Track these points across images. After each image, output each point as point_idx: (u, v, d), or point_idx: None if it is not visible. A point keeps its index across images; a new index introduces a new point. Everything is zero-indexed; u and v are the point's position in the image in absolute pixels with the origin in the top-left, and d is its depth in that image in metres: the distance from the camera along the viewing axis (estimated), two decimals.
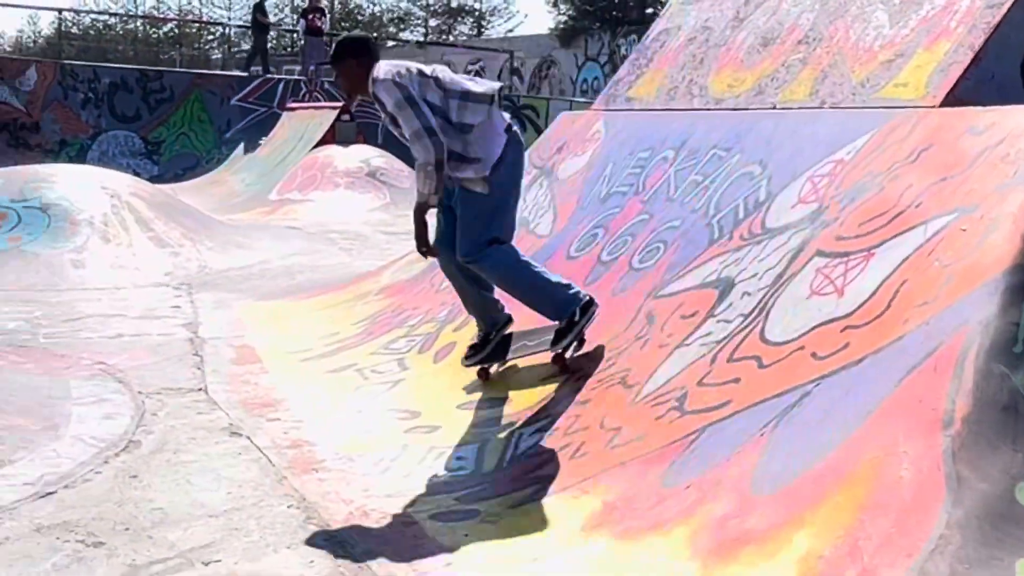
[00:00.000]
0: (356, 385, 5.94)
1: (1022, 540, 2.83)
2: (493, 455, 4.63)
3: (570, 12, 41.62)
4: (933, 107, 4.76)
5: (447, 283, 6.94)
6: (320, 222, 14.48)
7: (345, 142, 18.18)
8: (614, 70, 35.35)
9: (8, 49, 63.59)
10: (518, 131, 5.36)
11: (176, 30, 56.47)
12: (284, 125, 20.83)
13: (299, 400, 5.73)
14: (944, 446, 3.05)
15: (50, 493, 4.20)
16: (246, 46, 53.51)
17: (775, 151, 5.43)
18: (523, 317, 5.42)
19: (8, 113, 22.59)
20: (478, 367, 5.53)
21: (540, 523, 3.91)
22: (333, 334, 7.03)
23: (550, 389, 5.11)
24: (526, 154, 5.73)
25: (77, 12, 52.85)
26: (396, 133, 5.17)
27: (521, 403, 5.08)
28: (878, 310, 3.78)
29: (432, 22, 54.05)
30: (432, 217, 5.22)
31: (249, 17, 54.06)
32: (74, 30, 51.73)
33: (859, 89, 5.36)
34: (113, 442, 4.87)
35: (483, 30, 51.86)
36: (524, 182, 5.57)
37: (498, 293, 5.47)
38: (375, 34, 48.84)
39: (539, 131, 27.72)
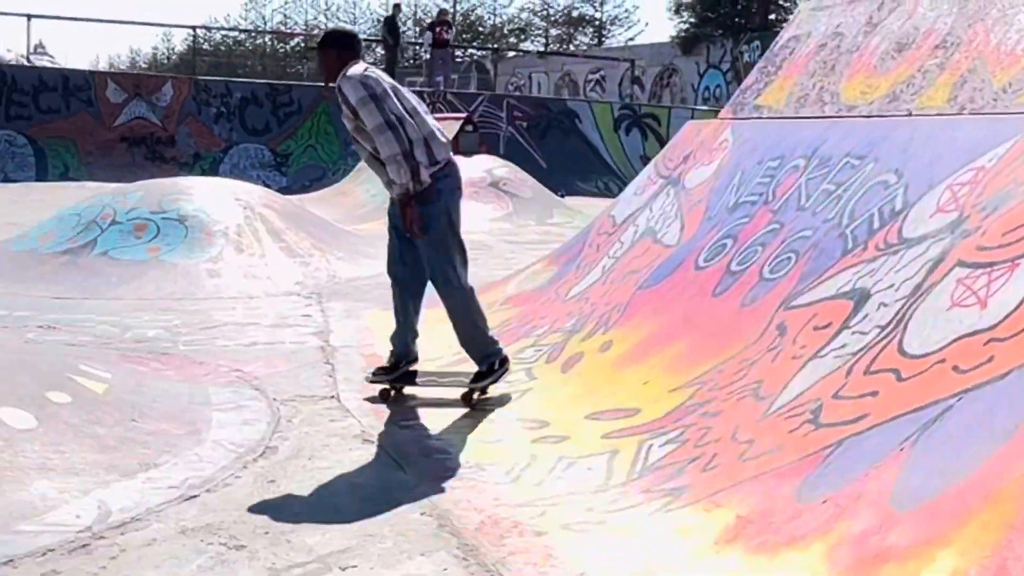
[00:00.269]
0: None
1: None
2: (623, 466, 4.61)
3: (692, 19, 41.30)
4: None
5: (573, 292, 6.97)
6: None
7: (468, 152, 18.35)
8: (736, 77, 35.00)
9: (144, 66, 66.07)
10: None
11: (303, 44, 57.80)
12: None
13: (429, 408, 5.80)
14: None
15: (194, 496, 4.34)
16: (369, 59, 54.74)
17: (911, 159, 5.31)
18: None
19: (145, 128, 23.47)
20: (381, 387, 5.98)
21: (672, 535, 3.88)
22: None
23: (678, 400, 5.08)
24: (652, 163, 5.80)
25: (209, 29, 54.58)
26: (349, 127, 5.60)
27: (650, 414, 5.06)
28: None
29: (553, 32, 54.28)
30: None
31: (373, 31, 55.25)
32: (206, 46, 53.45)
33: (1001, 94, 5.21)
34: (251, 447, 5.01)
35: (604, 39, 51.85)
36: (651, 191, 5.59)
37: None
38: (495, 45, 49.27)
39: (660, 140, 27.63)
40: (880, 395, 4.02)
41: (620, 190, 19.86)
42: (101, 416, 5.01)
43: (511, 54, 48.88)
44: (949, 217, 4.66)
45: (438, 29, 26.56)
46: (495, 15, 55.23)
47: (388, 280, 6.16)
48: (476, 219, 15.76)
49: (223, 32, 58.54)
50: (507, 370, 5.87)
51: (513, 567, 3.70)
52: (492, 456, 4.95)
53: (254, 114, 24.58)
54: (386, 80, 5.60)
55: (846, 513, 3.50)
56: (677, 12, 42.66)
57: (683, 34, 41.07)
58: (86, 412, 4.96)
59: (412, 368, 6.08)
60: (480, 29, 54.56)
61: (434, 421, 5.55)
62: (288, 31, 59.66)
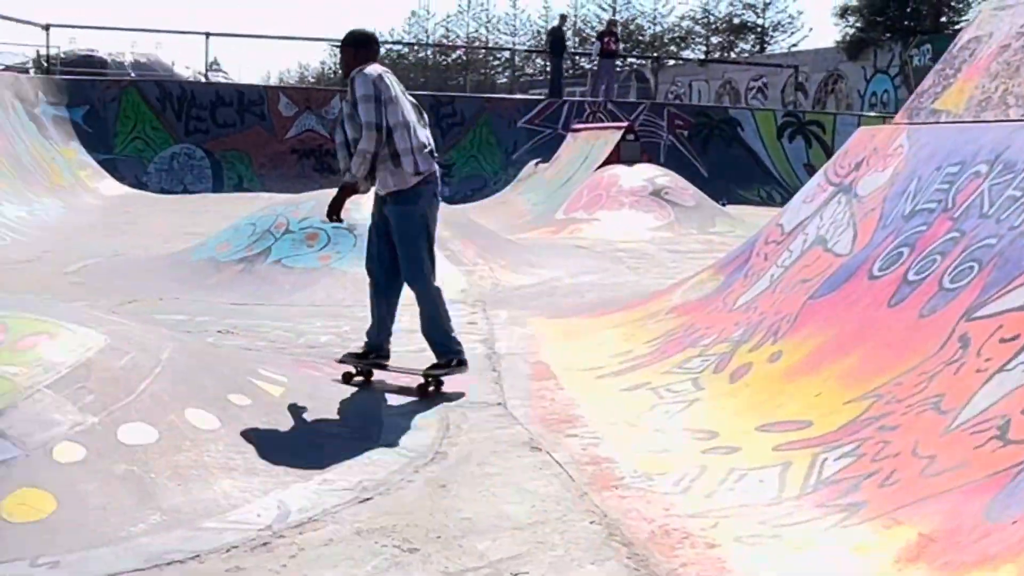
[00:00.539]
0: (651, 404, 5.95)
1: None
2: (796, 479, 4.51)
3: (858, 24, 40.13)
4: None
5: (741, 302, 6.87)
6: (606, 241, 14.65)
7: (630, 161, 18.27)
8: (906, 82, 33.93)
9: (312, 80, 68.16)
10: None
11: (464, 57, 58.76)
12: (568, 146, 21.20)
13: (595, 417, 5.79)
14: None
15: (367, 499, 4.43)
16: (530, 70, 55.18)
17: None
18: None
19: (315, 140, 24.20)
20: (345, 369, 6.41)
21: (849, 552, 3.78)
22: (626, 352, 7.07)
23: (854, 412, 4.93)
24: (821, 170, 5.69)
25: None
26: (345, 111, 6.13)
27: (824, 426, 4.93)
28: None
29: (714, 40, 53.62)
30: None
31: (533, 42, 55.71)
32: None
33: None
34: (422, 452, 5.09)
35: (766, 46, 50.95)
36: (821, 199, 5.47)
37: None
38: (655, 53, 49.01)
39: (825, 147, 26.99)
40: None
41: (783, 199, 19.54)
42: (279, 418, 5.18)
43: (671, 63, 48.52)
44: None
45: (607, 39, 26.68)
46: (655, 24, 54.98)
47: (553, 288, 6.21)
48: (637, 228, 15.73)
49: (387, 46, 59.92)
50: (462, 371, 6.30)
51: None
52: (661, 466, 4.91)
53: None
54: (395, 89, 6.09)
55: None
56: (842, 16, 41.47)
57: (849, 39, 39.96)
58: (265, 414, 5.14)
59: (383, 363, 6.46)
60: (640, 38, 54.35)
61: (601, 430, 5.54)
62: (450, 44, 60.71)
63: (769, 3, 50.93)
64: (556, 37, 27.56)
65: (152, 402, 4.69)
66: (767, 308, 6.70)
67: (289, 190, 16.99)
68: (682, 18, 55.08)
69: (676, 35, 54.75)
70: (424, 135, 6.23)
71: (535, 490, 4.60)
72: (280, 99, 24.90)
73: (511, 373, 6.80)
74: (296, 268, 9.98)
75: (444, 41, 61.63)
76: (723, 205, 19.22)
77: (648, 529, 4.14)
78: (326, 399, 5.82)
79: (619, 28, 41.13)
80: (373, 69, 6.05)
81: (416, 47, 62.05)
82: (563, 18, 30.51)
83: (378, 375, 6.46)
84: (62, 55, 28.70)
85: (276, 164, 23.72)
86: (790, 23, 51.11)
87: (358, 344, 6.66)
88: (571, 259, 12.61)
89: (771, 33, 51.57)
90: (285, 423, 5.19)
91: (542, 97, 27.58)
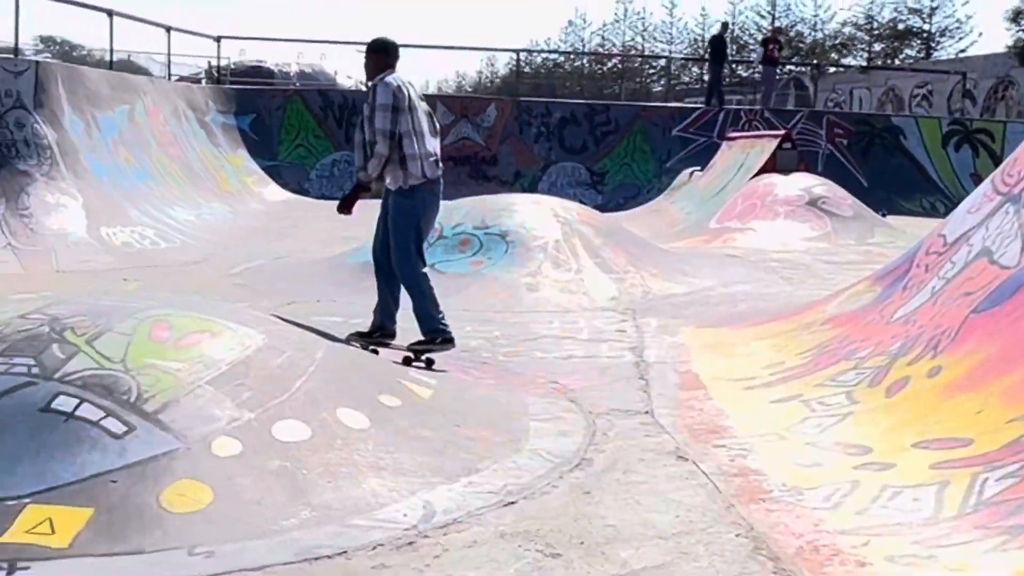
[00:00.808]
0: (802, 416, 5.82)
1: None
2: (954, 499, 4.33)
3: None
4: None
5: (899, 314, 6.67)
6: (760, 250, 14.41)
7: (786, 170, 17.92)
8: None
9: (469, 89, 69.12)
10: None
11: (619, 65, 58.63)
12: (724, 154, 20.94)
13: (744, 428, 5.70)
14: None
15: (512, 503, 4.46)
16: (686, 78, 54.71)
17: None
18: None
19: (470, 147, 24.56)
20: (356, 341, 6.91)
21: None
22: (778, 363, 6.93)
23: (1018, 431, 4.71)
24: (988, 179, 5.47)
25: (530, 52, 56.39)
26: (366, 113, 6.76)
27: (985, 445, 4.73)
28: None
29: (876, 46, 52.11)
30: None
31: (689, 50, 55.23)
32: (527, 69, 55.23)
33: None
34: (567, 458, 5.09)
35: (932, 52, 49.26)
36: (987, 209, 5.25)
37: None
38: (815, 60, 47.95)
39: (993, 156, 25.89)
40: None
41: (947, 210, 18.84)
42: (427, 420, 5.25)
43: (831, 70, 47.40)
44: None
45: (771, 46, 26.30)
46: (816, 30, 53.77)
47: (705, 297, 6.15)
48: (792, 238, 15.42)
49: (544, 55, 60.33)
50: (447, 348, 6.83)
51: None
52: (811, 480, 4.79)
53: (572, 133, 25.15)
54: (412, 98, 6.72)
55: None
56: (1014, 20, 39.74)
57: (1021, 44, 38.31)
58: (413, 416, 5.22)
59: (388, 341, 6.97)
60: (800, 45, 53.24)
61: (749, 442, 5.45)
62: (606, 52, 60.69)
63: (936, 8, 49.24)
64: (717, 45, 27.25)
65: (306, 400, 4.82)
66: (927, 321, 6.46)
67: (445, 197, 17.15)
68: (844, 24, 53.73)
69: (837, 41, 53.42)
70: (433, 144, 6.84)
71: (680, 500, 4.55)
72: (438, 107, 25.31)
73: (659, 382, 6.75)
74: (449, 273, 10.10)
75: (600, 50, 61.65)
76: (883, 216, 18.68)
77: (796, 544, 4.04)
78: (474, 402, 5.89)
79: (783, 35, 40.45)
80: (394, 79, 6.72)
81: (572, 56, 62.22)
82: (724, 26, 30.16)
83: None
84: (232, 66, 29.82)
85: None
86: (958, 28, 49.25)
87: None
88: (723, 268, 12.44)
89: (938, 38, 49.81)
90: (433, 425, 5.25)
91: (698, 105, 27.32)
